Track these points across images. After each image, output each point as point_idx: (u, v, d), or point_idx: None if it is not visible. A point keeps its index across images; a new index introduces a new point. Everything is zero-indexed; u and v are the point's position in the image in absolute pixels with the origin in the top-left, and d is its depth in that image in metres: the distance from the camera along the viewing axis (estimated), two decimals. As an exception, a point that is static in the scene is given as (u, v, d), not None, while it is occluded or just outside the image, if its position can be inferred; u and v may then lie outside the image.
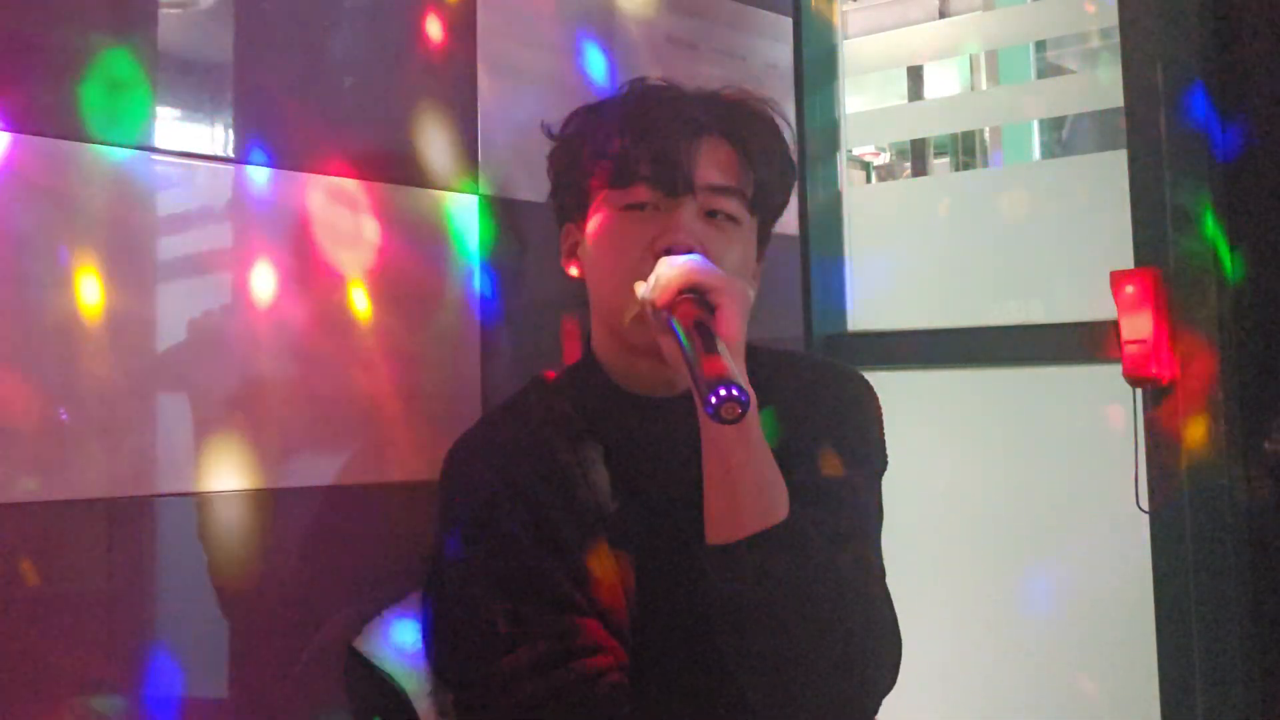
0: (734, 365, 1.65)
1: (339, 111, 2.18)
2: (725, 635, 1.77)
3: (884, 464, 2.05)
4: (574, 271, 2.08)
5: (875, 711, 1.87)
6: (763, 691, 1.77)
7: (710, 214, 1.94)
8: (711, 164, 1.95)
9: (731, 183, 1.96)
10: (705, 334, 1.69)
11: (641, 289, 1.83)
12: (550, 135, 2.11)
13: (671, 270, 1.79)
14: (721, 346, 1.67)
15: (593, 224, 2.00)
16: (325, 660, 2.07)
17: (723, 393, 1.58)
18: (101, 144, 1.88)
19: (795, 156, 2.12)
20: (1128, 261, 2.51)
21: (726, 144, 1.98)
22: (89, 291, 1.85)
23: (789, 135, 2.09)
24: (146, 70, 1.94)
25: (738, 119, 2.01)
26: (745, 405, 1.60)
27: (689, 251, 1.86)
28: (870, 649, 1.79)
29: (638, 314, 1.86)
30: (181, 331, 1.95)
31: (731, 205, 1.96)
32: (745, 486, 1.75)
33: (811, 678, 1.75)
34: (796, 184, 2.84)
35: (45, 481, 1.79)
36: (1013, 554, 2.90)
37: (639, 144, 1.93)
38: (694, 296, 1.76)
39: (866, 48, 3.33)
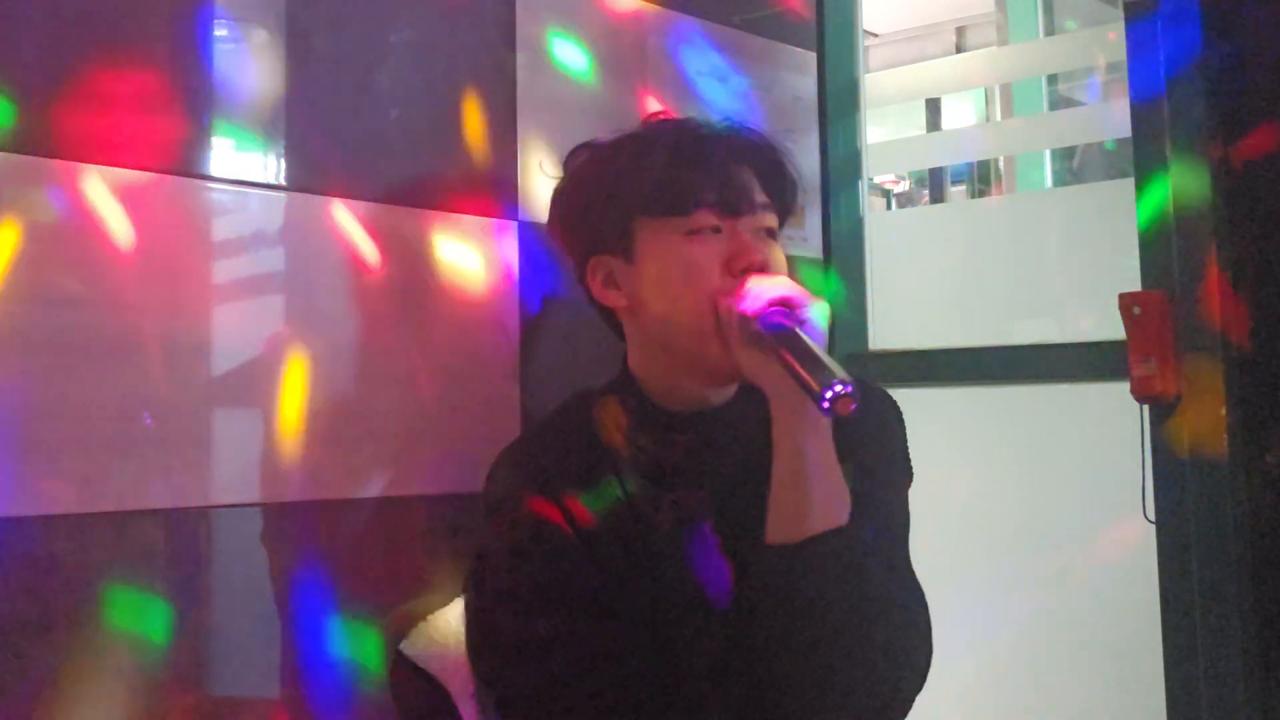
0: (837, 364, 1.67)
1: (386, 141, 2.18)
2: (766, 633, 1.76)
3: (910, 475, 2.04)
4: (611, 301, 2.04)
5: (907, 710, 1.86)
6: (799, 690, 1.76)
7: (768, 232, 1.95)
8: (755, 186, 1.96)
9: (771, 201, 1.97)
10: (801, 341, 1.71)
11: (725, 305, 1.84)
12: (556, 175, 2.11)
13: (763, 285, 1.81)
14: (820, 349, 1.70)
15: (647, 253, 1.96)
16: (373, 662, 2.06)
17: (839, 388, 1.62)
18: (161, 173, 1.88)
19: (811, 180, 2.11)
20: (1135, 284, 2.49)
21: (760, 168, 1.98)
22: (150, 312, 1.85)
23: (794, 161, 2.09)
24: (202, 102, 1.95)
25: (762, 145, 2.02)
26: (856, 399, 1.63)
27: (764, 268, 1.88)
28: (903, 650, 1.78)
29: (717, 332, 1.86)
30: (236, 350, 1.95)
31: (774, 222, 1.97)
32: (813, 488, 1.76)
33: (850, 676, 1.74)
34: (821, 210, 2.85)
35: (111, 492, 1.80)
36: (1025, 560, 2.89)
37: (695, 172, 1.92)
38: (784, 310, 1.78)
39: (887, 81, 3.33)
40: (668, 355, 1.96)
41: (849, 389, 1.62)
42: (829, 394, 1.62)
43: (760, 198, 1.95)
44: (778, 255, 1.94)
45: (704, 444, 1.95)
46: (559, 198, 2.09)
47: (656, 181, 1.95)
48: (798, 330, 1.74)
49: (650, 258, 1.95)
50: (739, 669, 1.83)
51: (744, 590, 1.79)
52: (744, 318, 1.79)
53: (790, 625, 1.74)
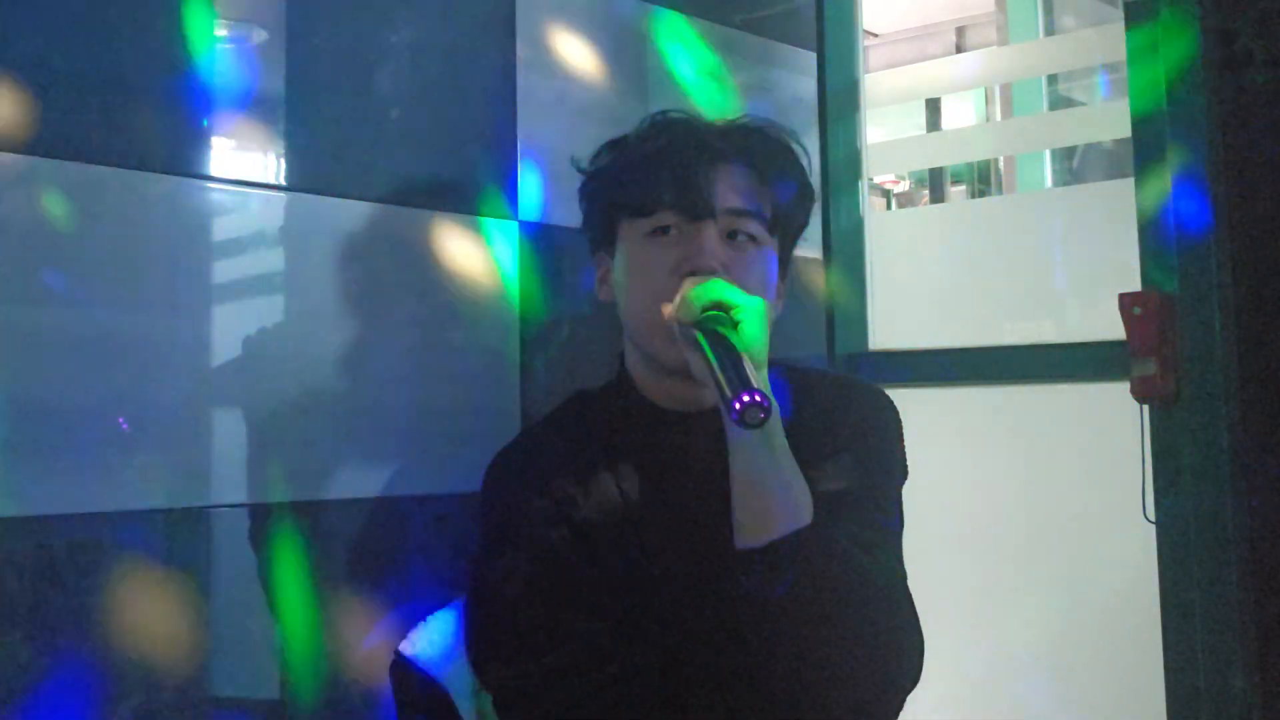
0: (756, 374, 1.66)
1: (385, 141, 2.17)
2: (753, 635, 1.76)
3: (904, 474, 2.03)
4: (606, 297, 2.07)
5: (898, 710, 1.86)
6: (791, 690, 1.76)
7: (732, 235, 1.94)
8: (730, 188, 1.94)
9: (751, 205, 1.95)
10: (728, 347, 1.70)
11: (669, 309, 1.83)
12: (580, 169, 2.11)
13: (697, 289, 1.79)
14: (746, 358, 1.68)
15: (621, 251, 1.99)
16: (373, 663, 2.06)
17: (746, 399, 1.61)
18: (161, 173, 1.88)
19: (813, 180, 2.11)
20: (1135, 284, 2.49)
21: (745, 169, 1.97)
22: (148, 311, 1.85)
23: (805, 160, 2.08)
24: (203, 102, 1.94)
25: (755, 145, 2.01)
26: (767, 411, 1.62)
27: (713, 273, 1.86)
28: (893, 648, 1.78)
29: (665, 332, 1.86)
30: (236, 350, 1.95)
31: (752, 227, 1.95)
32: (770, 492, 1.75)
33: (837, 676, 1.74)
34: (821, 210, 2.84)
35: (106, 493, 1.79)
36: (1025, 561, 2.88)
37: (660, 173, 1.93)
38: (718, 314, 1.76)
39: (887, 81, 3.32)
40: (642, 353, 1.97)
41: (757, 399, 1.61)
42: (737, 404, 1.61)
43: (735, 202, 1.95)
44: (746, 263, 1.94)
45: (697, 442, 1.95)
46: (579, 195, 2.12)
47: (626, 182, 1.98)
48: (724, 336, 1.73)
49: (621, 256, 1.98)
50: (734, 667, 1.83)
51: (729, 591, 1.79)
52: (679, 323, 1.80)
53: (770, 626, 1.74)
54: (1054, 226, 2.97)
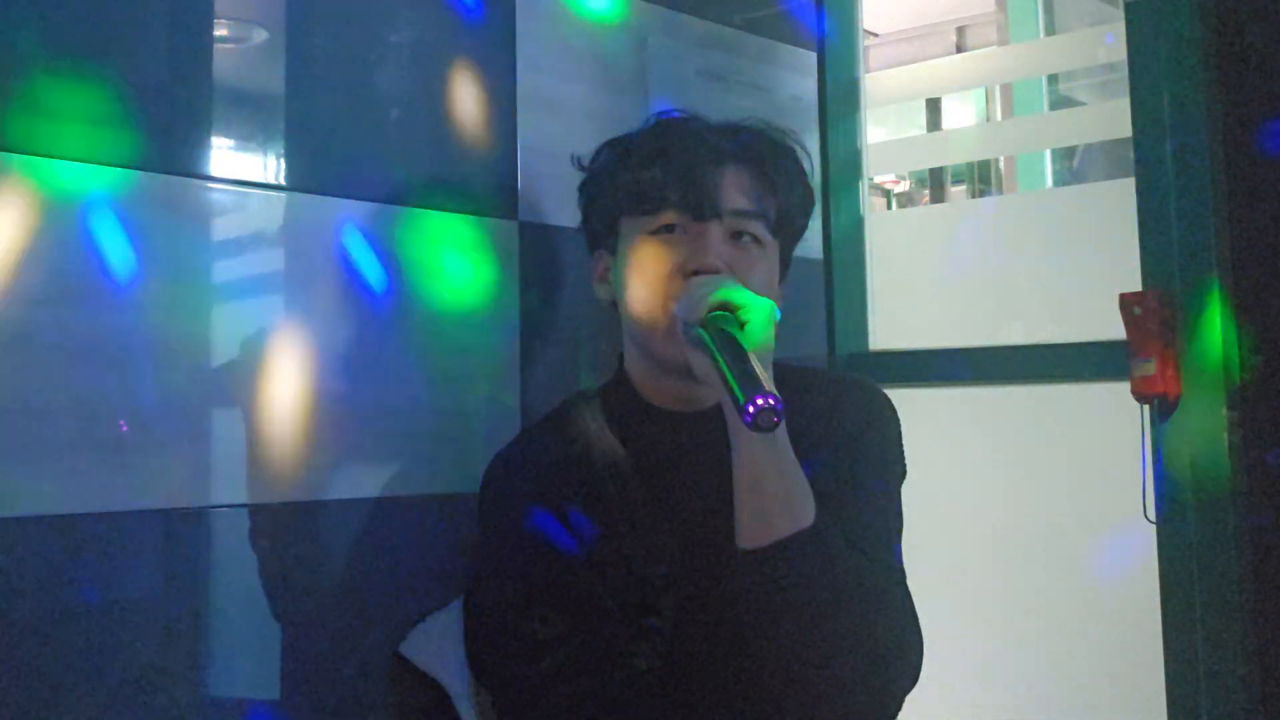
0: (766, 377, 1.65)
1: (385, 141, 2.17)
2: (754, 636, 1.76)
3: (903, 472, 2.03)
4: (604, 295, 2.07)
5: (898, 710, 1.86)
6: (791, 690, 1.76)
7: (737, 236, 1.94)
8: (736, 189, 1.95)
9: (756, 207, 1.96)
10: (737, 348, 1.69)
11: (673, 307, 1.82)
12: (580, 167, 2.11)
13: (703, 289, 1.79)
14: (754, 358, 1.67)
15: (623, 249, 1.99)
16: (372, 663, 2.06)
17: (760, 403, 1.59)
18: (160, 173, 1.88)
19: (813, 181, 2.11)
20: (1136, 284, 2.48)
21: (749, 171, 1.97)
22: (148, 311, 1.84)
23: (807, 164, 2.08)
24: (203, 103, 1.94)
25: (759, 148, 2.01)
26: (780, 415, 1.60)
27: (717, 272, 1.86)
28: (894, 648, 1.78)
29: (669, 331, 1.85)
30: (235, 350, 1.95)
31: (756, 228, 1.95)
32: (773, 493, 1.74)
33: (838, 676, 1.73)
34: (821, 210, 2.84)
35: (105, 493, 1.79)
36: (1025, 561, 2.88)
37: (666, 171, 1.93)
38: (724, 314, 1.76)
39: (887, 81, 3.32)
40: (643, 352, 1.97)
41: (771, 402, 1.59)
42: (750, 408, 1.59)
43: (740, 203, 1.95)
44: (749, 263, 1.94)
45: (696, 442, 1.95)
46: (578, 193, 2.11)
47: (632, 180, 1.97)
48: (732, 337, 1.72)
49: (623, 254, 1.98)
50: (733, 668, 1.83)
51: (728, 591, 1.79)
52: (684, 322, 1.80)
53: (770, 626, 1.74)
54: (1054, 226, 2.97)
